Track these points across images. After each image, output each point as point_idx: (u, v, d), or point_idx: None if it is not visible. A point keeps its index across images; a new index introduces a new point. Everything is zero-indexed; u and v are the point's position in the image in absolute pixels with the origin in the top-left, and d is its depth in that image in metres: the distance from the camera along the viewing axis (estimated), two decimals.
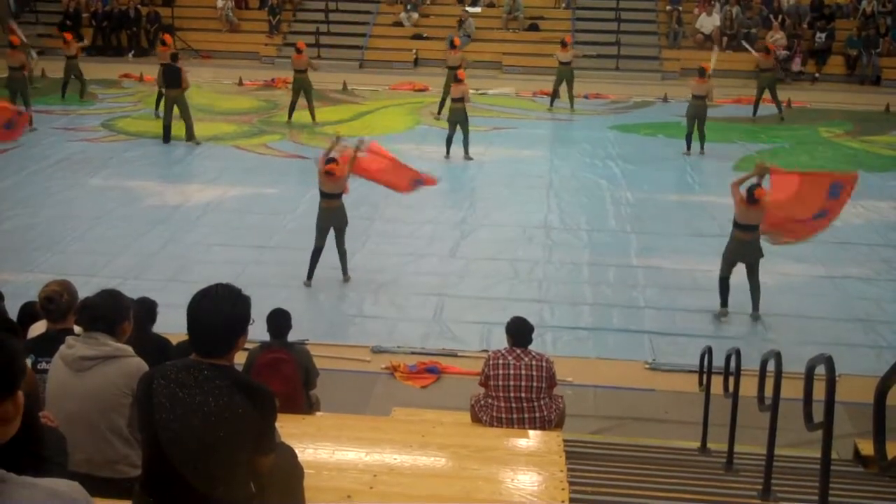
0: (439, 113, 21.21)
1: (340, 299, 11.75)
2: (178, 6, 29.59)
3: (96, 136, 19.29)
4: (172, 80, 18.58)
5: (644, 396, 9.59)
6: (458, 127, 18.13)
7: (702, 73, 18.80)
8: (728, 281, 11.39)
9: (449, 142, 18.26)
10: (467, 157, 18.19)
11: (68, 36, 23.11)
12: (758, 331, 11.01)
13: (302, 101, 20.52)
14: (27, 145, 18.29)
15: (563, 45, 22.71)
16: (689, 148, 18.92)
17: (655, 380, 9.92)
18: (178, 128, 18.84)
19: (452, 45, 20.78)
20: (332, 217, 11.93)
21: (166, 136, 18.76)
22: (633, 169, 17.72)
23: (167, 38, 21.89)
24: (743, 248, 11.27)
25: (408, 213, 14.81)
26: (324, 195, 11.93)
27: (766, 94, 21.69)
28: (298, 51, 20.77)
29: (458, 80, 18.38)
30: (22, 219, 14.23)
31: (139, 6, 29.15)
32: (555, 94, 22.74)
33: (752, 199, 10.98)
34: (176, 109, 18.67)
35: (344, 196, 12.03)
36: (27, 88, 20.05)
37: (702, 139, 18.71)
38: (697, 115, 18.70)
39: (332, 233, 11.94)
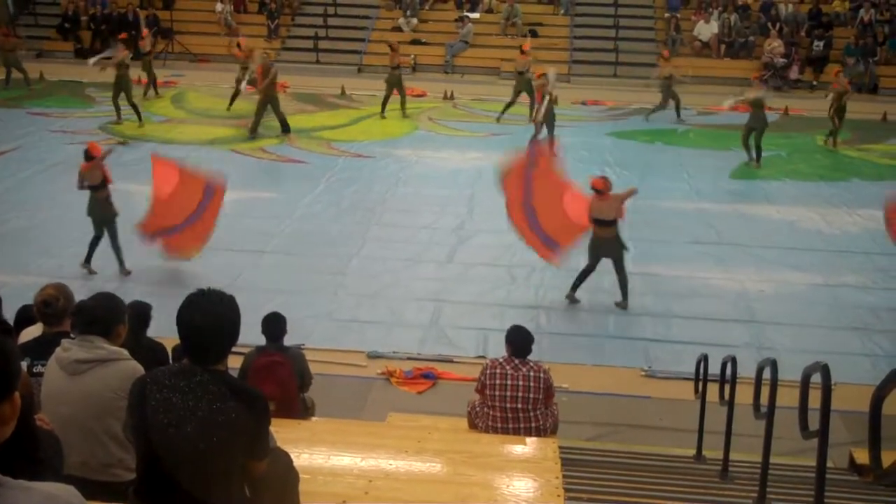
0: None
1: (336, 304, 11.73)
2: (176, 9, 29.57)
3: (94, 140, 19.25)
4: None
5: (640, 403, 9.59)
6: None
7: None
8: (589, 273, 11.82)
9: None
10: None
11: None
12: (754, 339, 11.02)
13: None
14: (25, 148, 18.30)
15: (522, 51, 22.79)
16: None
17: (651, 387, 9.93)
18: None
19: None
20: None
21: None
22: (631, 176, 17.68)
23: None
24: (601, 244, 11.61)
25: (405, 218, 14.82)
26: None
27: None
28: (394, 49, 22.33)
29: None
30: (19, 221, 14.22)
31: (138, 9, 29.15)
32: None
33: (594, 189, 11.54)
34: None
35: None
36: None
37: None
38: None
39: None
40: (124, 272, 12.26)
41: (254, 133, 19.74)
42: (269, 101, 19.75)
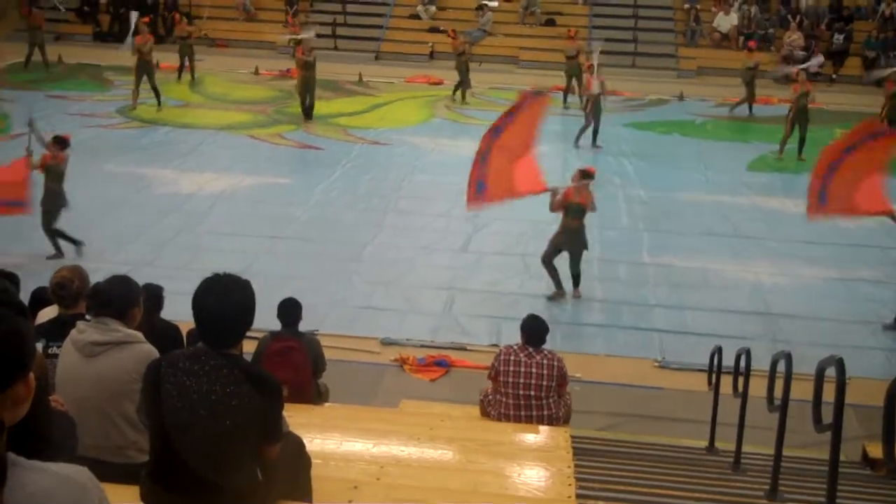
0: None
1: (351, 291, 11.75)
2: None
3: (111, 123, 19.33)
4: None
5: (653, 394, 9.58)
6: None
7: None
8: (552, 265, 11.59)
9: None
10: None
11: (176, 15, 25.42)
12: (768, 331, 10.98)
13: None
14: (42, 130, 18.30)
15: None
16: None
17: (664, 378, 9.91)
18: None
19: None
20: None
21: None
22: (647, 167, 17.67)
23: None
24: (570, 235, 11.44)
25: (421, 206, 14.82)
26: None
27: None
28: (453, 36, 23.58)
29: None
30: (35, 203, 14.22)
31: None
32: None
33: (588, 175, 11.50)
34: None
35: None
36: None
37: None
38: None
39: None
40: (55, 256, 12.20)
41: (309, 117, 20.02)
42: (306, 83, 19.92)
